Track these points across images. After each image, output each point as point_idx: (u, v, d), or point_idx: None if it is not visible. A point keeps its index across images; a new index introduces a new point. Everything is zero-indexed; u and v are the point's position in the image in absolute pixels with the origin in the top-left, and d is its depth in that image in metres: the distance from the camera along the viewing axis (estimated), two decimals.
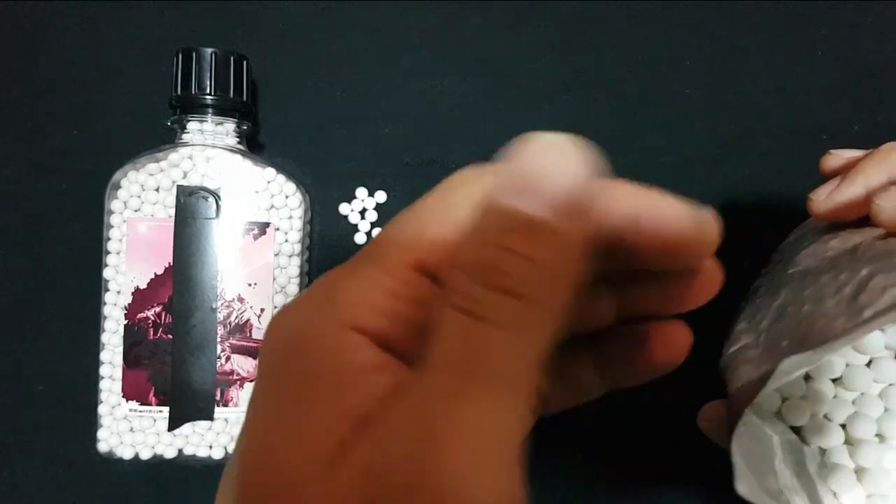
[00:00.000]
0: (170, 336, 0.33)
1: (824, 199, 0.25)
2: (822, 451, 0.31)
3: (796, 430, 0.30)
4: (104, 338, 0.34)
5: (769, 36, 0.39)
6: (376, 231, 0.38)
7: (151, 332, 0.33)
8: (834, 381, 0.32)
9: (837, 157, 0.26)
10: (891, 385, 0.31)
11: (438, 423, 0.12)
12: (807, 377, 0.32)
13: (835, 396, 0.31)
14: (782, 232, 0.38)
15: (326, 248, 0.38)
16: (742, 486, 0.18)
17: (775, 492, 0.21)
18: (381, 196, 0.38)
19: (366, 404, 0.13)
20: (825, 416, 0.31)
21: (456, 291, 0.13)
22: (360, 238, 0.38)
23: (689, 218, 0.16)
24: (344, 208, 0.38)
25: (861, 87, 0.39)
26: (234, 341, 0.34)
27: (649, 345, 0.18)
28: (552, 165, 0.13)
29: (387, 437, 0.13)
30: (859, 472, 0.30)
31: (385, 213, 0.38)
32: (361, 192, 0.38)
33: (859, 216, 0.24)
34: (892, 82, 0.39)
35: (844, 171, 0.25)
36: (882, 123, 0.39)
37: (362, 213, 0.38)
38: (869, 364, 0.31)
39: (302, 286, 0.36)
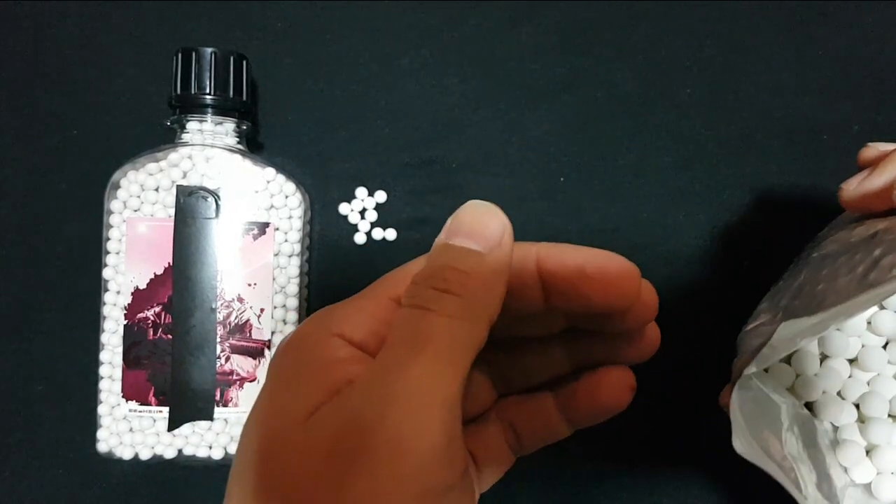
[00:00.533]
0: (169, 336, 0.33)
1: (854, 188, 0.26)
2: (834, 428, 0.31)
3: (809, 406, 0.31)
4: (104, 338, 0.34)
5: (769, 36, 0.39)
6: (376, 231, 0.38)
7: (151, 332, 0.33)
8: (850, 361, 0.33)
9: (873, 149, 0.26)
10: None
11: (388, 385, 0.16)
12: (823, 357, 0.32)
13: (850, 376, 0.32)
14: (782, 231, 0.38)
15: (326, 248, 0.38)
16: (738, 443, 0.20)
17: (779, 457, 0.22)
18: (381, 196, 0.38)
19: (340, 383, 0.17)
20: (839, 394, 0.32)
21: (410, 295, 0.18)
22: (359, 238, 0.38)
23: (628, 266, 0.19)
24: (344, 208, 0.38)
25: (861, 87, 0.39)
26: (233, 341, 0.34)
27: (598, 389, 0.21)
28: (481, 217, 0.19)
29: (348, 398, 0.17)
30: (870, 448, 0.31)
31: (385, 213, 0.38)
32: (361, 191, 0.38)
33: (888, 207, 0.24)
34: (892, 82, 0.39)
35: (877, 162, 0.25)
36: (882, 123, 0.39)
37: (362, 212, 0.38)
38: (885, 346, 0.32)
39: (301, 286, 0.36)
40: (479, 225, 0.18)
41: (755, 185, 0.38)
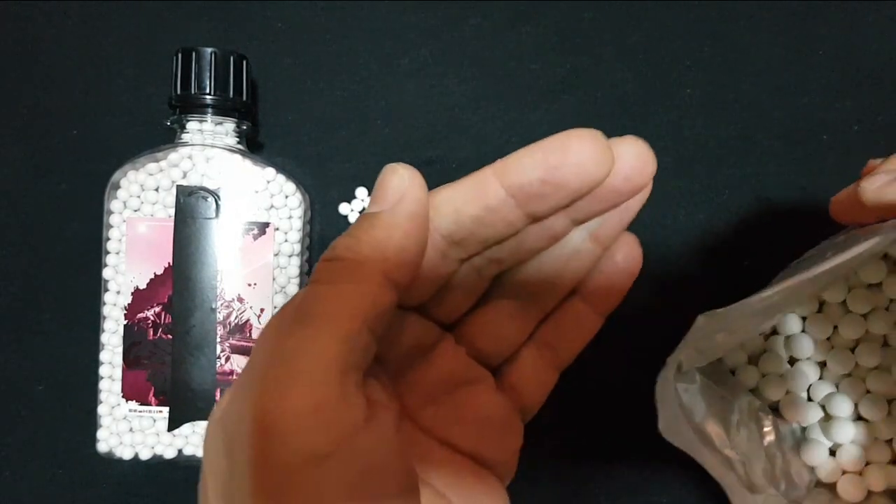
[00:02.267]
0: (169, 336, 0.33)
1: (878, 187, 0.24)
2: (802, 429, 0.32)
3: (774, 406, 0.31)
4: (104, 338, 0.34)
5: (769, 36, 0.39)
6: None
7: (151, 332, 0.33)
8: (819, 363, 0.33)
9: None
10: (873, 369, 0.32)
11: (267, 353, 0.17)
12: (792, 360, 0.33)
13: (821, 378, 0.32)
14: (782, 231, 0.38)
15: (326, 248, 0.38)
16: (663, 426, 0.20)
17: (722, 447, 0.22)
18: None
19: None
20: (807, 395, 0.32)
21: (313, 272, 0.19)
22: None
23: (587, 143, 0.18)
24: (344, 208, 0.38)
25: (861, 87, 0.39)
26: (233, 341, 0.34)
27: (612, 261, 0.21)
28: (382, 179, 0.19)
29: (241, 374, 0.18)
30: (835, 448, 0.32)
31: None
32: (361, 191, 0.38)
33: None
34: (892, 82, 0.39)
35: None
36: (882, 123, 0.39)
37: (362, 213, 0.38)
38: (854, 349, 0.33)
39: (302, 286, 0.36)
40: (380, 188, 0.19)
41: (755, 185, 0.39)
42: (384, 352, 0.21)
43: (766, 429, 0.30)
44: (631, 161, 0.19)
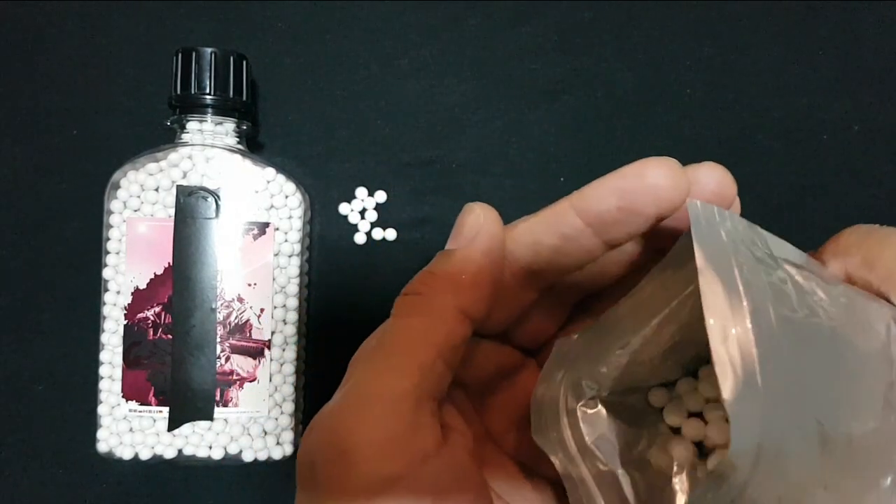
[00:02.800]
0: (169, 336, 0.33)
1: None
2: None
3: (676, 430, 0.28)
4: (104, 338, 0.34)
5: (768, 36, 0.39)
6: (376, 231, 0.38)
7: (151, 332, 0.33)
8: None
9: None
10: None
11: (347, 384, 0.18)
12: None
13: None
14: (782, 231, 0.38)
15: (326, 248, 0.38)
16: (536, 436, 0.20)
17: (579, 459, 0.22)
18: (380, 196, 0.38)
19: None
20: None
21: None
22: (359, 238, 0.38)
23: (661, 173, 0.18)
24: (344, 208, 0.38)
25: (861, 87, 0.39)
26: (233, 341, 0.34)
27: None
28: (459, 219, 0.20)
29: (322, 414, 0.18)
30: None
31: (385, 213, 0.38)
32: (361, 191, 0.38)
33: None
34: (892, 82, 0.39)
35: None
36: (882, 123, 0.39)
37: (362, 212, 0.38)
38: None
39: (301, 286, 0.36)
40: (458, 226, 0.20)
41: (755, 184, 0.39)
42: (467, 377, 0.21)
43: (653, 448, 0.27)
44: (711, 186, 0.19)
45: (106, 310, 0.34)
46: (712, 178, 0.19)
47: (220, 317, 0.33)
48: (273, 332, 0.34)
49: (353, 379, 0.18)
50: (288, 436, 0.34)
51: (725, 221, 0.18)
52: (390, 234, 0.38)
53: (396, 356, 0.18)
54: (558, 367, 0.21)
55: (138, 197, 0.34)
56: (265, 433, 0.34)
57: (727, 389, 0.15)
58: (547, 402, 0.21)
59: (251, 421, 0.34)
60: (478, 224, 0.19)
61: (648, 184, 0.18)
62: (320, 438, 0.18)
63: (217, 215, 0.33)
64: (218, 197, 0.34)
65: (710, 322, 0.16)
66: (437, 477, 0.17)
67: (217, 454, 0.34)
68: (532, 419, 0.21)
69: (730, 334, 0.16)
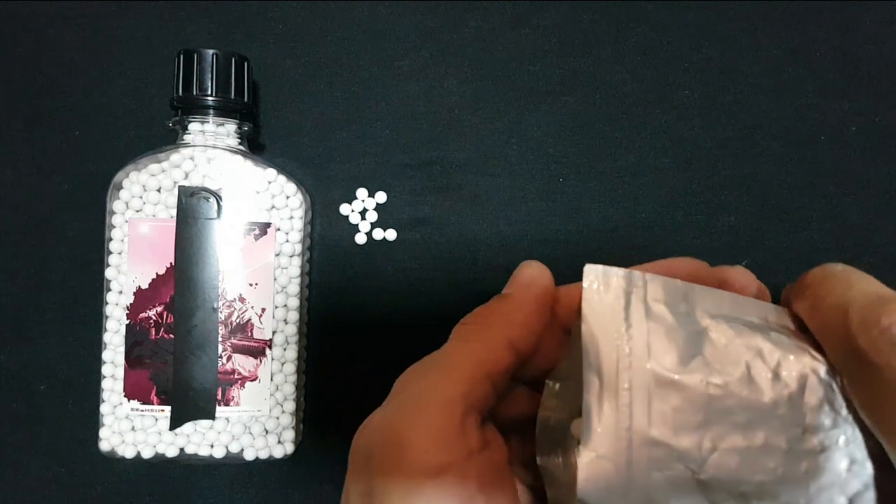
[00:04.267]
0: (171, 336, 0.33)
1: None
2: None
3: None
4: (106, 337, 0.34)
5: (767, 37, 0.39)
6: (377, 231, 0.38)
7: (153, 332, 0.34)
8: None
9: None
10: None
11: (406, 388, 0.22)
12: None
13: None
14: (781, 231, 0.39)
15: (327, 248, 0.38)
16: (539, 459, 0.22)
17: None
18: (381, 196, 0.38)
19: None
20: None
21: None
22: (360, 238, 0.38)
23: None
24: (344, 209, 0.38)
25: (859, 88, 0.39)
26: (235, 341, 0.34)
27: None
28: (518, 271, 0.24)
29: (383, 405, 0.22)
30: None
31: (385, 214, 0.38)
32: (362, 192, 0.38)
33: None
34: (889, 83, 0.39)
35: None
36: (880, 124, 0.39)
37: (363, 213, 0.38)
38: None
39: (302, 286, 0.36)
40: (515, 276, 0.24)
41: (753, 185, 0.39)
42: (500, 413, 0.24)
43: None
44: (740, 280, 0.23)
45: (108, 309, 0.34)
46: (737, 280, 0.23)
47: (221, 316, 0.34)
48: (274, 332, 0.34)
49: (407, 390, 0.21)
50: (289, 434, 0.35)
51: (629, 282, 0.20)
52: (390, 234, 0.38)
53: (451, 371, 0.21)
54: (560, 393, 0.23)
55: (140, 197, 0.34)
56: (266, 432, 0.34)
57: (583, 444, 0.18)
58: (551, 426, 0.22)
59: (252, 420, 0.34)
60: (533, 275, 0.23)
61: (682, 269, 0.23)
62: (378, 432, 0.21)
63: (219, 216, 0.34)
64: (219, 197, 0.34)
65: (587, 378, 0.18)
66: (481, 471, 0.20)
67: (219, 453, 0.34)
68: (537, 441, 0.22)
69: (602, 391, 0.18)
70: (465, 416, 0.21)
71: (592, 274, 0.19)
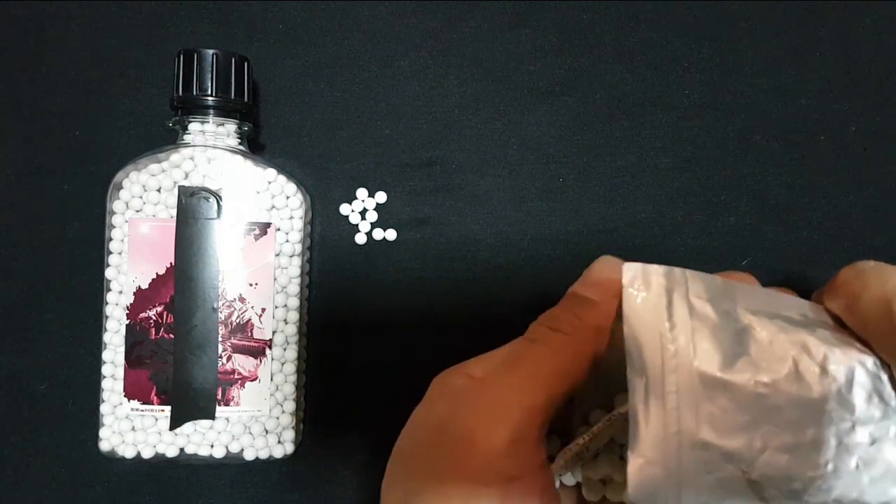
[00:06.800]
0: (171, 335, 0.33)
1: None
2: None
3: None
4: (106, 337, 0.34)
5: (767, 37, 0.39)
6: (377, 231, 0.38)
7: (153, 332, 0.34)
8: None
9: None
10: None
11: (478, 393, 0.20)
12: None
13: None
14: (780, 232, 0.39)
15: (327, 248, 0.38)
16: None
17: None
18: (381, 197, 0.38)
19: None
20: None
21: (530, 331, 0.22)
22: (360, 238, 0.38)
23: None
24: (345, 209, 0.38)
25: (859, 88, 0.39)
26: (235, 341, 0.34)
27: None
28: (598, 269, 0.22)
29: (446, 402, 0.21)
30: None
31: (385, 214, 0.38)
32: (362, 192, 0.38)
33: None
34: (890, 83, 0.39)
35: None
36: (880, 124, 0.39)
37: (363, 213, 0.38)
38: None
39: (302, 286, 0.36)
40: (602, 277, 0.22)
41: (753, 185, 0.39)
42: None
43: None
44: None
45: (108, 309, 0.34)
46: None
47: (221, 316, 0.34)
48: (274, 332, 0.34)
49: (488, 381, 0.20)
50: (289, 434, 0.35)
51: (670, 280, 0.19)
52: (390, 234, 0.38)
53: (538, 377, 0.20)
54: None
55: (140, 197, 0.34)
56: (266, 432, 0.34)
57: (631, 450, 0.17)
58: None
59: (252, 420, 0.34)
60: (614, 278, 0.21)
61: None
62: (440, 430, 0.20)
63: (219, 216, 0.34)
64: (219, 197, 0.34)
65: (632, 381, 0.18)
66: (545, 488, 0.19)
67: (219, 453, 0.34)
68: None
69: (648, 395, 0.18)
70: (540, 427, 0.20)
71: (632, 272, 0.19)
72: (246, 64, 0.35)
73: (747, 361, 0.18)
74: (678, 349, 0.18)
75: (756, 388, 0.18)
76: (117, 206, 0.34)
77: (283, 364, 0.35)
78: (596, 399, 0.24)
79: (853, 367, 0.19)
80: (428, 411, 0.21)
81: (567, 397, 0.21)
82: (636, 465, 0.17)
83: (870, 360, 0.19)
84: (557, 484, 0.23)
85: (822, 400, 0.18)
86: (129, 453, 0.34)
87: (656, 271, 0.19)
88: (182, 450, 0.34)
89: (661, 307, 0.18)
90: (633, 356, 0.18)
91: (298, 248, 0.35)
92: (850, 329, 0.20)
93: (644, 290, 0.19)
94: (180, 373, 0.33)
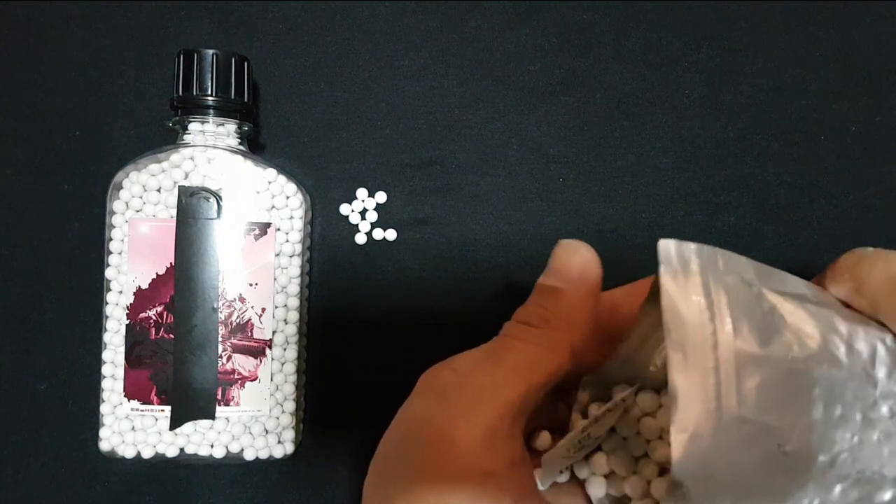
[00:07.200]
0: (171, 335, 0.33)
1: None
2: None
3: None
4: (106, 337, 0.34)
5: (767, 37, 0.39)
6: (377, 231, 0.38)
7: (153, 332, 0.34)
8: None
9: None
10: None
11: (455, 387, 0.20)
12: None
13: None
14: (780, 232, 0.39)
15: (327, 248, 0.38)
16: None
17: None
18: (381, 197, 0.38)
19: None
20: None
21: (504, 329, 0.22)
22: (360, 238, 0.38)
23: None
24: (344, 209, 0.38)
25: (858, 88, 0.39)
26: (235, 341, 0.34)
27: None
28: (558, 256, 0.22)
29: (425, 399, 0.21)
30: None
31: (385, 214, 0.38)
32: (362, 192, 0.38)
33: None
34: (890, 83, 0.39)
35: None
36: (879, 124, 0.39)
37: (363, 213, 0.38)
38: None
39: (302, 286, 0.36)
40: (562, 263, 0.21)
41: (753, 185, 0.39)
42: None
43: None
44: None
45: (108, 309, 0.34)
46: None
47: (221, 316, 0.34)
48: (274, 332, 0.34)
49: (462, 381, 0.20)
50: (289, 434, 0.35)
51: (703, 257, 0.19)
52: (390, 234, 0.38)
53: (512, 372, 0.20)
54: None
55: (140, 197, 0.34)
56: (266, 432, 0.34)
57: (674, 424, 0.17)
58: (556, 461, 0.22)
59: (252, 420, 0.34)
60: (586, 265, 0.21)
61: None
62: (423, 424, 0.20)
63: (219, 216, 0.34)
64: (219, 198, 0.34)
65: (671, 356, 0.17)
66: (521, 482, 0.19)
67: (219, 453, 0.34)
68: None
69: (688, 370, 0.17)
70: (515, 421, 0.20)
71: (666, 249, 0.18)
72: (246, 64, 0.35)
73: (781, 339, 0.19)
74: (716, 326, 0.18)
75: (791, 363, 0.18)
76: (117, 206, 0.34)
77: (283, 364, 0.35)
78: (595, 391, 0.24)
79: (875, 343, 0.19)
80: (406, 409, 0.21)
81: (546, 389, 0.21)
82: (680, 439, 0.17)
83: (888, 337, 0.20)
84: (565, 478, 0.23)
85: (849, 376, 0.19)
86: (129, 453, 0.34)
87: (690, 249, 0.19)
88: (182, 450, 0.34)
89: (697, 284, 0.18)
90: (671, 332, 0.18)
91: (298, 248, 0.35)
92: (856, 312, 0.21)
93: (680, 266, 0.18)
94: (180, 373, 0.33)
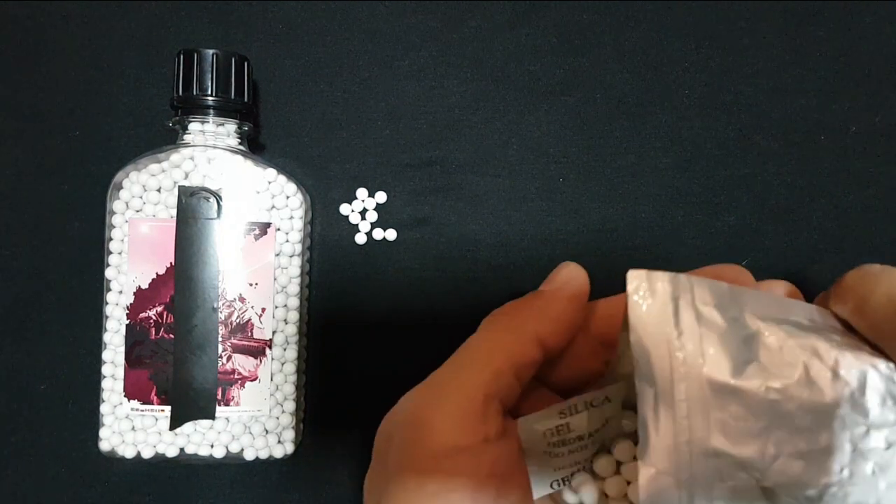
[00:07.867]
0: (171, 335, 0.33)
1: None
2: None
3: None
4: (106, 337, 0.34)
5: (766, 37, 0.39)
6: (377, 231, 0.38)
7: (153, 332, 0.34)
8: None
9: None
10: None
11: (433, 375, 0.22)
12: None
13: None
14: (780, 232, 0.39)
15: (327, 248, 0.38)
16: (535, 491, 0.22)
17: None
18: (381, 196, 0.38)
19: None
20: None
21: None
22: (360, 238, 0.38)
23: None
24: (344, 209, 0.38)
25: (858, 88, 0.39)
26: (235, 341, 0.34)
27: None
28: (556, 270, 0.24)
29: (406, 395, 0.23)
30: None
31: (385, 214, 0.38)
32: (362, 192, 0.38)
33: None
34: (889, 83, 0.39)
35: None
36: (879, 124, 0.39)
37: (363, 213, 0.38)
38: None
39: (302, 286, 0.36)
40: (552, 275, 0.24)
41: (753, 185, 0.39)
42: (520, 413, 0.24)
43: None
44: (780, 292, 0.23)
45: (108, 309, 0.34)
46: (781, 292, 0.23)
47: (221, 316, 0.34)
48: (274, 332, 0.34)
49: (435, 376, 0.22)
50: (289, 434, 0.35)
51: (675, 286, 0.18)
52: (390, 234, 0.38)
53: (477, 359, 0.22)
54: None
55: (140, 197, 0.34)
56: (266, 432, 0.34)
57: (642, 460, 0.17)
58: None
59: (252, 420, 0.34)
60: (570, 275, 0.23)
61: (728, 275, 0.22)
62: (401, 414, 0.22)
63: (219, 216, 0.34)
64: (219, 197, 0.34)
65: (640, 390, 0.17)
66: (495, 458, 0.20)
67: (219, 453, 0.34)
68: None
69: (658, 403, 0.17)
70: (487, 403, 0.21)
71: (636, 280, 0.18)
72: (246, 64, 0.35)
73: (757, 367, 0.18)
74: (686, 356, 0.18)
75: (767, 394, 0.18)
76: (117, 206, 0.34)
77: (283, 364, 0.35)
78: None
79: (865, 370, 0.18)
80: (399, 401, 0.23)
81: (519, 375, 0.22)
82: (647, 475, 0.17)
83: (882, 364, 0.18)
84: (575, 499, 0.23)
85: (834, 405, 0.18)
86: (129, 453, 0.34)
87: (661, 277, 0.18)
88: (182, 450, 0.34)
89: (667, 314, 0.18)
90: (640, 364, 0.18)
91: (298, 248, 0.35)
92: (858, 333, 0.20)
93: (649, 297, 0.18)
94: (180, 373, 0.33)
